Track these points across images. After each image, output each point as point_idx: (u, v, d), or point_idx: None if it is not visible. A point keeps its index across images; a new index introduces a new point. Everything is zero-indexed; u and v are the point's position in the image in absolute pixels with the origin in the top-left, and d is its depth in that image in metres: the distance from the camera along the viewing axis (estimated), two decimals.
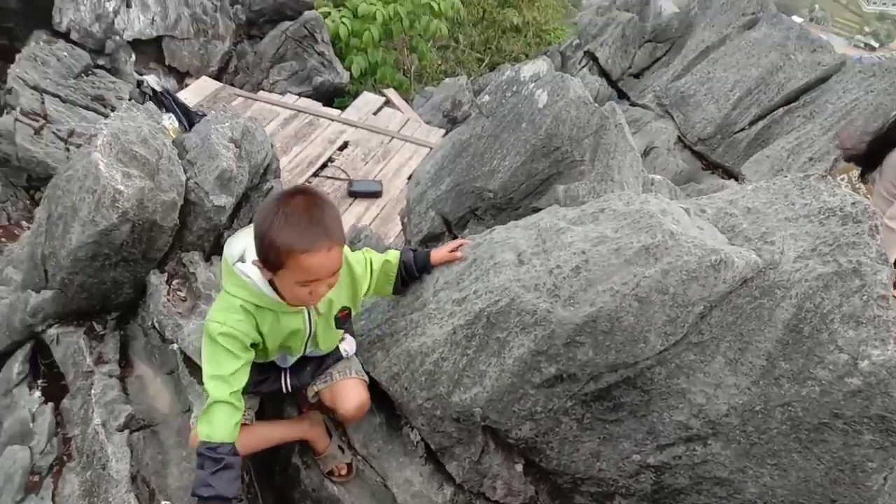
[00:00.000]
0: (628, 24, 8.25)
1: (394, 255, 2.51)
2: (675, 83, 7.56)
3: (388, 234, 6.48)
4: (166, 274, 3.29)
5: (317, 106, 8.74)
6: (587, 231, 2.27)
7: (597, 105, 4.09)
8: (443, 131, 8.09)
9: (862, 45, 71.41)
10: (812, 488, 2.20)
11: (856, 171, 5.97)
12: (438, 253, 2.51)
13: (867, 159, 3.80)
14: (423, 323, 2.46)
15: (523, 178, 4.31)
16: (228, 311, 2.08)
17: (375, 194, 6.86)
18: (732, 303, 2.05)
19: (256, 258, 2.03)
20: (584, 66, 8.41)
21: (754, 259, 2.02)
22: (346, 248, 2.22)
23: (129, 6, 8.07)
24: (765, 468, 2.21)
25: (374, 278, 2.45)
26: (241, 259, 2.11)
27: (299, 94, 9.06)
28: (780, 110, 6.72)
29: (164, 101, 7.19)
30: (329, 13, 8.99)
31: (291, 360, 2.41)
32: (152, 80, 7.52)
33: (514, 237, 2.44)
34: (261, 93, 9.08)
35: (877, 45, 70.80)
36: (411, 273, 2.52)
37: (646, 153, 7.44)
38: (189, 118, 6.94)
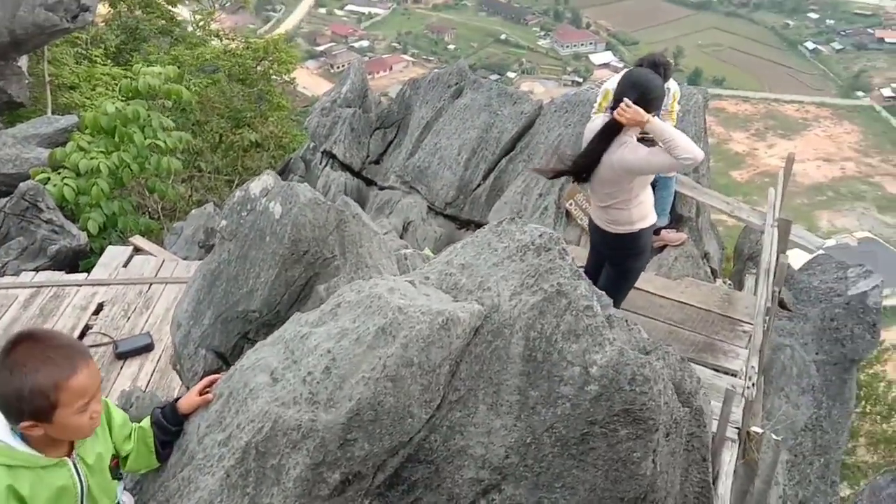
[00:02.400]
0: (353, 117, 8.73)
1: (145, 421, 2.36)
2: (411, 160, 8.08)
3: (171, 386, 6.06)
4: None
5: (59, 275, 8.06)
6: (329, 329, 2.32)
7: (329, 202, 4.24)
8: (200, 261, 7.84)
9: (570, 82, 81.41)
10: (601, 495, 2.37)
11: (580, 195, 6.75)
12: (187, 400, 2.40)
13: (578, 174, 4.21)
14: (194, 477, 2.32)
15: (283, 290, 4.29)
16: None
17: (146, 348, 6.41)
18: (473, 353, 2.20)
19: (10, 427, 1.88)
20: (326, 165, 8.70)
21: (477, 308, 2.19)
22: (107, 400, 2.15)
23: None
24: (556, 492, 2.35)
25: (134, 447, 2.27)
26: None
27: (36, 269, 8.29)
28: (504, 160, 7.45)
29: None
30: (48, 178, 8.42)
31: None
32: None
33: (264, 356, 2.41)
34: None
35: (580, 79, 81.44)
36: (167, 431, 2.37)
37: (405, 228, 7.80)
38: None
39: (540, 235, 2.26)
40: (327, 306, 2.46)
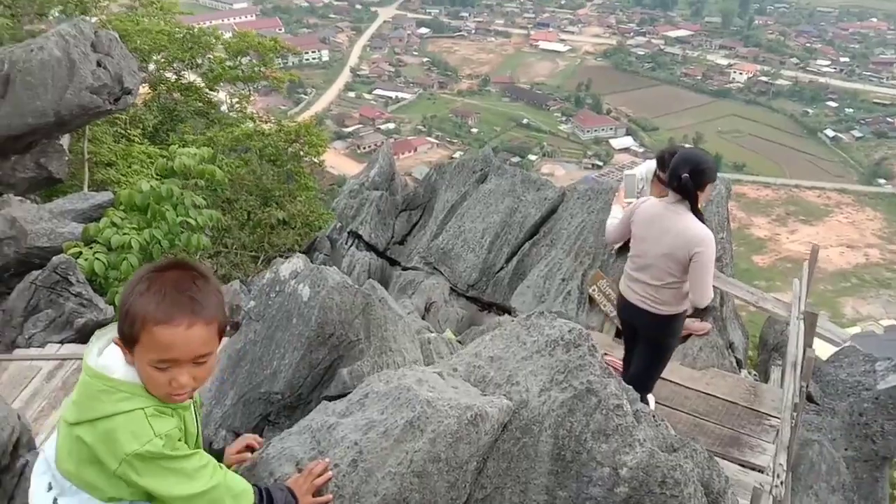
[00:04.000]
0: (380, 200, 8.93)
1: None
2: (435, 242, 8.19)
3: None
4: None
5: (84, 348, 8.12)
6: (356, 420, 2.32)
7: (357, 286, 4.30)
8: (226, 339, 7.90)
9: (590, 165, 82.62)
10: None
11: (604, 281, 6.76)
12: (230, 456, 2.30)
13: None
14: None
15: (307, 372, 4.31)
16: (141, 425, 1.70)
17: None
18: (501, 449, 2.18)
19: (115, 337, 1.74)
20: (351, 246, 8.85)
21: (506, 404, 2.19)
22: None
23: None
24: None
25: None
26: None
27: (61, 342, 8.39)
28: (527, 245, 7.53)
29: None
30: (80, 252, 8.61)
31: None
32: None
33: (289, 446, 2.41)
34: (16, 351, 8.27)
35: (601, 163, 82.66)
36: None
37: (427, 309, 7.82)
38: None
39: (570, 331, 2.28)
40: (355, 395, 2.46)
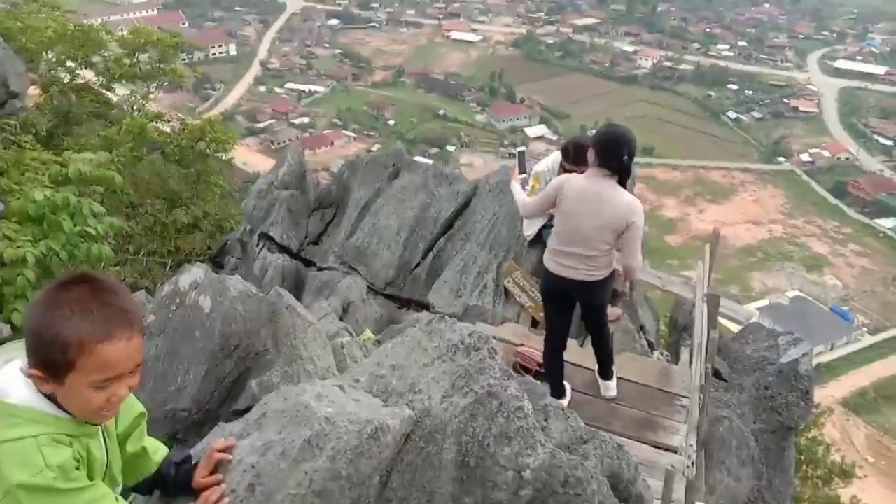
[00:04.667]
0: (291, 199, 8.71)
1: (157, 452, 2.11)
2: (350, 241, 8.07)
3: None
4: None
5: None
6: (253, 442, 2.22)
7: (262, 295, 4.16)
8: None
9: (508, 155, 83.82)
10: None
11: (518, 272, 6.82)
12: (200, 474, 2.10)
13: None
14: None
15: (213, 386, 4.15)
16: (32, 454, 1.58)
17: None
18: (404, 461, 2.14)
19: (25, 367, 1.61)
20: (262, 248, 8.61)
21: (408, 414, 2.14)
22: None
23: None
24: None
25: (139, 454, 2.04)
26: None
27: None
28: (442, 240, 7.51)
29: None
30: None
31: None
32: None
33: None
34: None
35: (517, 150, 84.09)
36: (164, 483, 2.12)
37: (345, 309, 7.70)
38: None
39: (469, 335, 2.25)
40: (252, 415, 2.36)
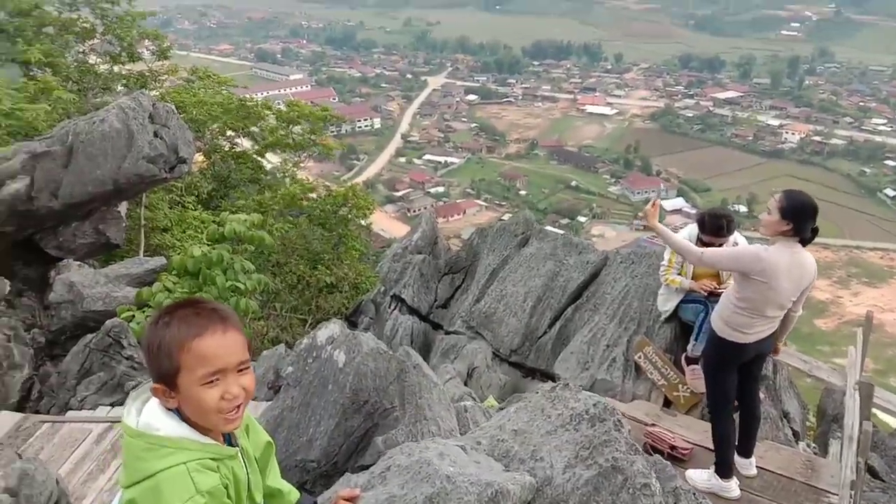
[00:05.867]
0: (423, 263, 8.98)
1: (291, 494, 2.17)
2: (477, 306, 8.15)
3: None
4: None
5: None
6: (377, 494, 2.27)
7: (391, 353, 4.29)
8: (267, 403, 7.93)
9: (641, 227, 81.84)
10: None
11: (650, 348, 6.59)
12: None
13: None
14: None
15: (342, 440, 4.28)
16: (184, 481, 1.67)
17: None
18: None
19: (153, 386, 1.74)
20: (394, 309, 8.87)
21: (529, 481, 2.12)
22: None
23: None
24: None
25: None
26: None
27: (111, 405, 8.56)
28: (570, 309, 7.41)
29: None
30: (133, 316, 8.85)
31: None
32: None
33: None
34: (69, 413, 8.47)
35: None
36: None
37: (469, 374, 7.72)
38: None
39: (595, 404, 2.21)
40: (377, 468, 2.43)
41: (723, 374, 4.73)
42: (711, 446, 4.98)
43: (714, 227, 5.76)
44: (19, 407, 8.66)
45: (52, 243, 9.91)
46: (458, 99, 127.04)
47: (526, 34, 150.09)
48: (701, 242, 5.73)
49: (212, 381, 1.74)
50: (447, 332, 8.72)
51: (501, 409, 5.93)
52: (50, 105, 12.48)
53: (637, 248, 7.37)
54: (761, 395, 6.25)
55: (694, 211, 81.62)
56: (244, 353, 1.80)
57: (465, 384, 7.50)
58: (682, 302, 6.32)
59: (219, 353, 1.73)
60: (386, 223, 65.74)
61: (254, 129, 17.50)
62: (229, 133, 17.21)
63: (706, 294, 6.07)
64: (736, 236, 5.95)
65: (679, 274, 6.26)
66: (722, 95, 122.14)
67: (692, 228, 6.20)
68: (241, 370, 1.79)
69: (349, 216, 16.36)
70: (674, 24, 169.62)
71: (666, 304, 6.44)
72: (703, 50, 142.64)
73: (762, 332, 4.57)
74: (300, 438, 4.38)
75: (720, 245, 5.71)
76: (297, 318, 14.10)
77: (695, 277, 6.24)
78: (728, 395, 4.78)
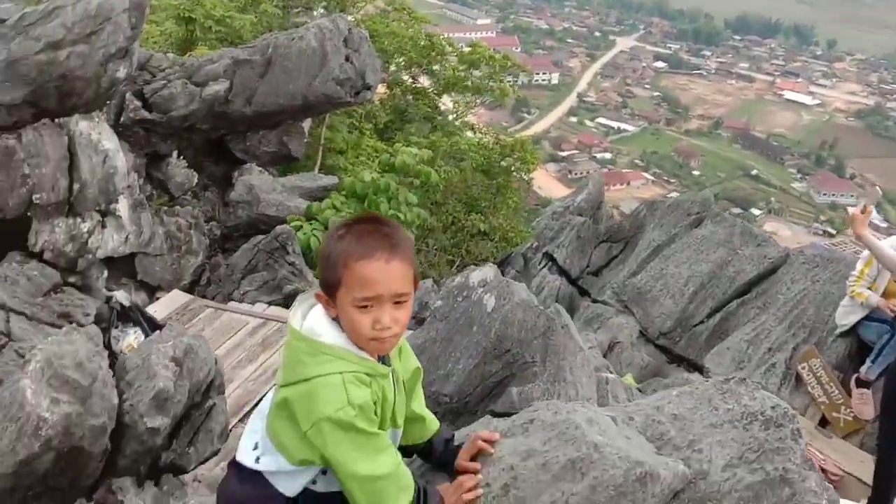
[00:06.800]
0: (582, 226, 8.73)
1: (432, 423, 2.20)
2: (632, 280, 7.83)
3: None
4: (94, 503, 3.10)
5: (287, 314, 8.81)
6: (516, 444, 2.20)
7: (542, 307, 4.19)
8: (411, 332, 8.17)
9: (821, 231, 75.20)
10: None
11: (817, 360, 6.03)
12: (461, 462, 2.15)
13: None
14: None
15: (477, 381, 4.28)
16: (338, 390, 1.72)
17: None
18: None
19: (316, 292, 1.82)
20: (543, 267, 8.75)
21: (682, 470, 1.95)
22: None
23: (104, 227, 8.40)
24: None
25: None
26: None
27: (269, 303, 9.18)
28: (734, 303, 6.92)
29: (132, 315, 7.25)
30: (301, 226, 9.39)
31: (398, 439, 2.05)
32: (121, 296, 7.62)
33: None
34: (231, 303, 9.19)
35: (834, 231, 74.75)
36: (429, 455, 2.22)
37: (610, 348, 7.49)
38: (155, 331, 6.97)
39: (773, 407, 1.99)
40: (520, 419, 2.35)
41: None
42: (865, 478, 4.50)
43: None
44: (189, 289, 9.54)
45: (240, 146, 10.65)
46: (644, 64, 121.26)
47: (732, 4, 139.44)
48: None
49: (365, 306, 1.74)
50: (594, 301, 8.50)
51: (640, 390, 5.69)
52: (256, 17, 13.27)
53: (824, 251, 6.69)
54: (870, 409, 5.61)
55: (885, 225, 73.66)
56: (404, 286, 1.76)
57: (604, 357, 7.29)
58: (864, 318, 5.74)
59: (377, 279, 1.72)
60: (545, 181, 64.91)
61: (435, 67, 17.71)
62: (412, 69, 17.53)
63: (894, 315, 5.47)
64: None
65: (869, 289, 5.66)
66: None
67: (894, 241, 5.53)
68: (398, 302, 1.77)
69: (512, 168, 16.29)
70: None
71: (846, 317, 5.86)
72: None
73: None
74: (438, 371, 4.42)
75: None
76: (446, 259, 14.38)
77: (886, 296, 5.62)
78: None
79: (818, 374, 5.80)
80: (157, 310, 8.16)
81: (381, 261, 1.71)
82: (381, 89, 17.44)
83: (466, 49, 18.73)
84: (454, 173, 14.51)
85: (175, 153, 10.09)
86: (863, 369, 5.66)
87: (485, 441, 2.15)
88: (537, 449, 2.13)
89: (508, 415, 2.70)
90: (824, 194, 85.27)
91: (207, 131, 10.19)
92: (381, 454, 1.80)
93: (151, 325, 7.15)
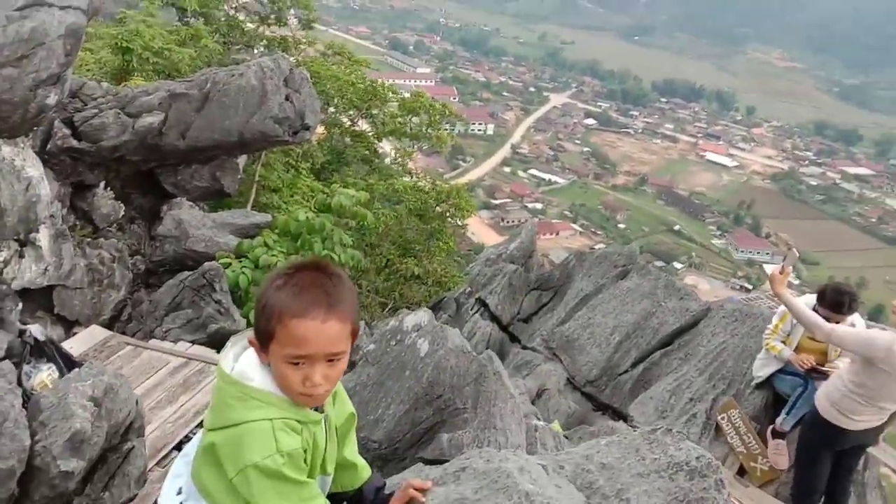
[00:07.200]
0: (514, 274, 8.87)
1: (364, 470, 2.16)
2: (560, 328, 7.98)
3: None
4: None
5: (210, 353, 8.55)
6: (448, 492, 2.20)
7: (475, 353, 4.22)
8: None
9: (738, 286, 78.55)
10: None
11: (735, 411, 6.24)
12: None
13: None
14: None
15: (408, 428, 4.24)
16: (267, 437, 1.66)
17: None
18: None
19: (250, 337, 1.76)
20: (475, 312, 8.81)
21: None
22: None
23: (21, 256, 8.00)
24: None
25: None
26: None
27: (192, 342, 8.88)
28: (658, 353, 7.13)
29: (47, 351, 6.88)
30: (230, 263, 9.18)
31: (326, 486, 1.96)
32: (36, 330, 7.23)
33: None
34: (152, 341, 8.85)
35: (750, 286, 78.17)
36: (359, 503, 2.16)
37: (539, 395, 7.56)
38: (71, 368, 6.64)
39: (698, 458, 2.06)
40: (451, 466, 2.35)
41: (816, 459, 4.42)
42: None
43: (835, 302, 5.38)
44: (109, 325, 9.14)
45: (170, 180, 10.40)
46: (575, 120, 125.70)
47: (659, 69, 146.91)
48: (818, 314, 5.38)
49: (297, 363, 1.70)
50: (524, 347, 8.59)
51: (566, 437, 5.75)
52: (196, 51, 13.14)
53: (742, 306, 7.00)
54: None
55: (797, 282, 77.57)
56: (339, 346, 1.71)
57: (533, 403, 7.35)
58: (779, 371, 5.99)
59: (310, 339, 1.67)
60: (478, 227, 65.84)
61: (374, 111, 17.87)
62: (351, 112, 17.64)
63: (806, 369, 5.74)
64: (855, 317, 5.56)
65: (783, 342, 5.94)
66: (852, 170, 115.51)
67: (808, 299, 5.84)
68: (331, 360, 1.72)
69: (447, 214, 16.45)
70: (816, 88, 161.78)
71: (762, 369, 6.11)
72: (842, 120, 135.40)
73: (869, 422, 4.28)
74: (368, 416, 4.37)
75: (837, 322, 5.34)
76: (379, 302, 14.29)
77: (798, 350, 5.90)
78: (817, 483, 4.47)
79: (737, 425, 6.00)
80: (73, 345, 7.77)
81: (317, 321, 1.66)
82: (320, 130, 17.43)
83: (407, 95, 19.01)
84: (390, 216, 14.55)
85: (102, 184, 9.77)
86: (778, 420, 5.88)
87: (416, 489, 2.13)
88: (469, 497, 2.13)
89: (439, 462, 2.69)
90: (742, 251, 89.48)
91: (138, 163, 9.92)
92: None
93: (67, 362, 6.80)
